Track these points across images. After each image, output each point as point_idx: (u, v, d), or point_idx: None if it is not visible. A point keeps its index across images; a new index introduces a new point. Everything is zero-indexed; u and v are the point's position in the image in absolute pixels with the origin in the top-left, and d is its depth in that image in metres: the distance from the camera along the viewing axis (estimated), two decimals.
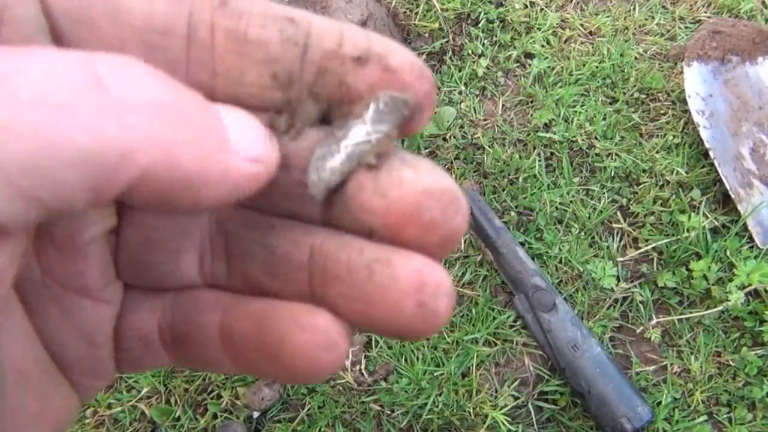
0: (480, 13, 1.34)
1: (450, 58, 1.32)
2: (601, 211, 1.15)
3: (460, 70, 1.30)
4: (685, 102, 1.21)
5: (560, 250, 1.12)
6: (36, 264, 0.24)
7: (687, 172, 1.17)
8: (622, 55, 1.29)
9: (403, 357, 1.06)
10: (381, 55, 0.22)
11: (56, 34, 0.21)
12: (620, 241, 1.14)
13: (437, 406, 1.01)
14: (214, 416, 1.04)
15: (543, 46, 1.31)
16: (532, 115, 1.24)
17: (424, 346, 1.06)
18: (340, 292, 0.22)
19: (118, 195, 0.18)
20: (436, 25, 1.32)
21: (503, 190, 1.17)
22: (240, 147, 0.20)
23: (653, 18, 1.35)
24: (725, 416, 1.01)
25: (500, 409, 1.02)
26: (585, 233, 1.14)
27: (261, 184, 0.21)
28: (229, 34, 0.22)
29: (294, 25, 0.22)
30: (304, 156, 0.23)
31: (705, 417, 1.01)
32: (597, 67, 1.28)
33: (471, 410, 1.01)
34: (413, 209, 0.21)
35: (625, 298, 1.10)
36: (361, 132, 0.22)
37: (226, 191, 0.20)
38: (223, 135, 0.20)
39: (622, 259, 1.12)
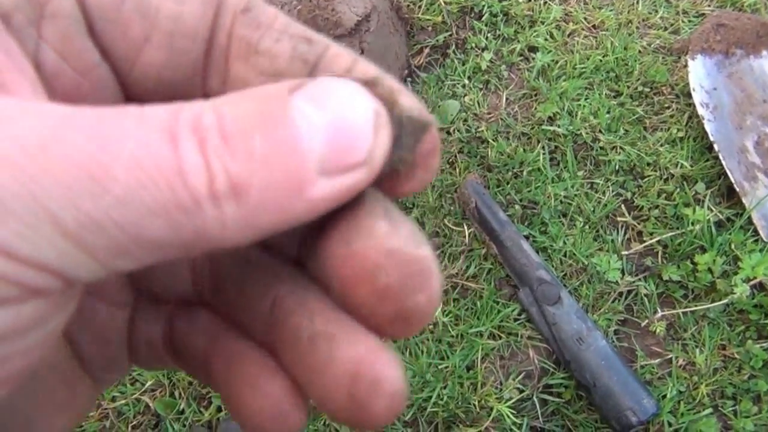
0: (483, 6, 1.33)
1: (453, 51, 1.31)
2: (606, 205, 1.15)
3: (463, 64, 1.29)
4: (689, 95, 1.21)
5: (565, 243, 1.11)
6: None
7: (691, 166, 1.17)
8: (625, 48, 1.29)
9: (408, 350, 1.05)
10: (389, 88, 0.20)
11: (90, 31, 0.21)
12: (625, 234, 1.14)
13: (442, 399, 1.01)
14: (218, 409, 1.04)
15: (546, 39, 1.31)
16: (536, 108, 1.23)
17: (428, 340, 1.06)
18: (288, 356, 0.21)
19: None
20: (440, 18, 1.32)
21: (507, 183, 1.17)
22: (326, 158, 0.17)
23: (657, 11, 1.35)
24: (731, 409, 1.01)
25: (505, 402, 1.01)
26: (589, 226, 1.14)
27: (365, 185, 0.18)
28: (243, 42, 0.21)
29: (309, 44, 0.21)
30: None
31: (710, 410, 1.00)
32: (601, 60, 1.28)
33: (476, 403, 1.01)
34: (370, 268, 0.18)
35: (629, 292, 1.10)
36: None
37: (315, 210, 0.18)
38: (294, 148, 0.17)
39: (626, 252, 1.12)
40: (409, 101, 0.20)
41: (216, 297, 0.25)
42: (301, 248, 0.23)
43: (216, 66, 0.21)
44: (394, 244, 0.18)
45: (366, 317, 0.19)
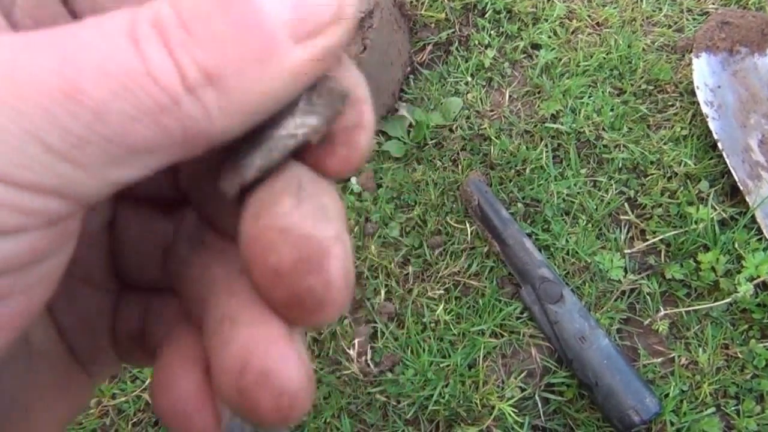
0: (487, 3, 1.33)
1: (456, 48, 1.31)
2: (609, 203, 1.14)
3: (466, 61, 1.29)
4: (692, 93, 1.20)
5: (567, 241, 1.11)
6: None
7: (695, 164, 1.17)
8: (629, 46, 1.28)
9: (409, 348, 1.05)
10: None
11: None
12: (628, 232, 1.14)
13: (443, 398, 1.00)
14: None
15: (550, 36, 1.30)
16: (539, 106, 1.23)
17: (430, 338, 1.06)
18: (205, 342, 0.20)
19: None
20: (443, 15, 1.32)
21: (510, 181, 1.16)
22: (288, 24, 0.17)
23: (661, 9, 1.34)
24: (733, 408, 1.00)
25: (507, 401, 1.01)
26: (592, 225, 1.13)
27: (343, 43, 0.18)
28: None
29: None
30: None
31: (713, 409, 1.00)
32: (604, 58, 1.27)
33: (477, 401, 1.01)
34: (264, 247, 0.17)
35: (632, 290, 1.09)
36: (287, 125, 0.19)
37: (299, 81, 0.17)
38: (259, 20, 0.16)
39: (629, 251, 1.12)
40: (344, 72, 0.19)
41: (176, 281, 0.24)
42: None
43: None
44: (290, 221, 0.17)
45: (266, 300, 0.18)
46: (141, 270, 0.25)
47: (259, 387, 0.17)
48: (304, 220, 0.17)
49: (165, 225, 0.25)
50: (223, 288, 0.20)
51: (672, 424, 0.99)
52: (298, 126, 0.18)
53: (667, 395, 1.01)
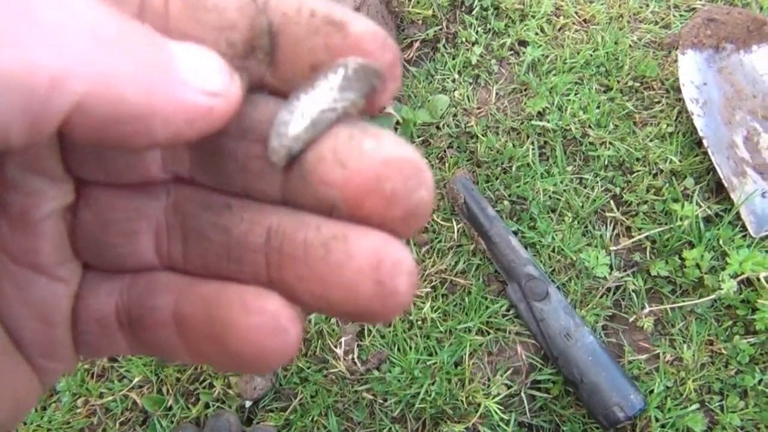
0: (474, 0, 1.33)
1: (443, 45, 1.31)
2: (595, 200, 1.15)
3: (453, 58, 1.29)
4: (679, 90, 1.21)
5: (553, 238, 1.11)
6: None
7: (680, 161, 1.17)
8: (616, 43, 1.28)
9: (396, 346, 1.05)
10: (341, 22, 0.21)
11: None
12: (613, 230, 1.14)
13: (430, 395, 1.01)
14: (206, 406, 1.04)
15: (537, 33, 1.30)
16: (525, 103, 1.23)
17: (416, 336, 1.06)
18: (297, 273, 0.22)
19: (57, 126, 0.17)
20: (430, 12, 1.31)
21: (496, 178, 1.17)
22: (193, 79, 0.19)
23: (648, 6, 1.34)
24: (717, 404, 1.01)
25: (493, 398, 1.02)
26: (578, 222, 1.14)
27: (220, 121, 0.20)
28: (185, 1, 0.21)
29: None
30: (261, 127, 0.22)
31: (697, 405, 1.01)
32: (591, 55, 1.27)
33: (464, 399, 1.01)
34: (373, 181, 0.20)
35: (618, 287, 1.10)
36: (327, 98, 0.21)
37: (178, 126, 0.19)
38: (172, 65, 0.19)
39: (615, 247, 1.12)
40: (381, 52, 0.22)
41: (189, 253, 0.25)
42: (283, 188, 0.23)
43: (157, 29, 0.21)
44: (386, 152, 0.20)
45: (378, 224, 0.21)
46: (121, 256, 0.25)
47: (396, 273, 0.20)
48: (395, 147, 0.20)
49: (143, 205, 0.25)
50: (298, 227, 0.22)
51: (657, 420, 1.00)
52: (338, 100, 0.21)
53: (652, 391, 1.02)
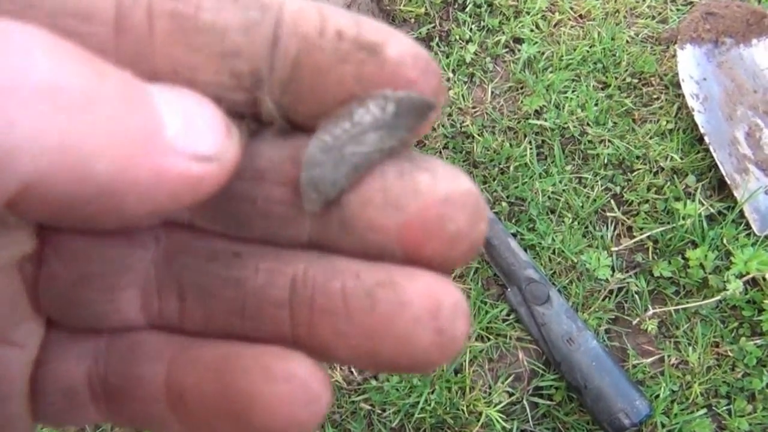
0: None
1: (437, 44, 1.28)
2: (595, 200, 1.12)
3: (447, 57, 1.26)
4: (677, 86, 1.18)
5: (553, 240, 1.08)
6: None
7: (681, 158, 1.14)
8: (613, 38, 1.26)
9: None
10: (375, 45, 0.18)
11: None
12: (614, 230, 1.11)
13: (429, 405, 0.98)
14: None
15: (532, 30, 1.28)
16: (522, 101, 1.20)
17: None
18: (335, 329, 0.19)
19: (3, 206, 0.14)
20: (422, 9, 1.28)
21: (494, 179, 1.14)
22: (180, 140, 0.16)
23: (644, 0, 1.32)
24: (725, 408, 0.99)
25: (494, 406, 0.99)
26: (578, 223, 1.11)
27: (213, 190, 0.16)
28: (175, 19, 0.17)
29: (261, 6, 0.17)
30: (284, 168, 0.19)
31: (704, 410, 0.98)
32: (588, 51, 1.24)
33: (464, 408, 0.98)
34: (435, 223, 0.18)
35: (620, 289, 1.07)
36: (372, 139, 0.18)
37: (159, 200, 0.16)
38: (155, 124, 0.15)
39: (616, 248, 1.09)
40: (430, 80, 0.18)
41: (188, 311, 0.21)
42: (315, 234, 0.20)
43: (135, 56, 0.17)
44: (444, 188, 0.18)
45: (436, 265, 0.18)
46: (99, 314, 0.21)
47: (455, 318, 0.18)
48: (451, 180, 0.18)
49: (126, 255, 0.21)
50: (331, 275, 0.19)
51: (663, 425, 0.97)
52: (386, 139, 0.18)
53: (657, 396, 0.99)
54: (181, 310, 0.21)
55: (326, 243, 0.19)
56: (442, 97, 0.19)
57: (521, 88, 1.22)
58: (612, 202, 1.13)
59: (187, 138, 0.16)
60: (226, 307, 0.20)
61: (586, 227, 1.11)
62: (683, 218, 1.08)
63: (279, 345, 0.19)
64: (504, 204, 1.11)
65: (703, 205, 1.10)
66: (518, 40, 1.28)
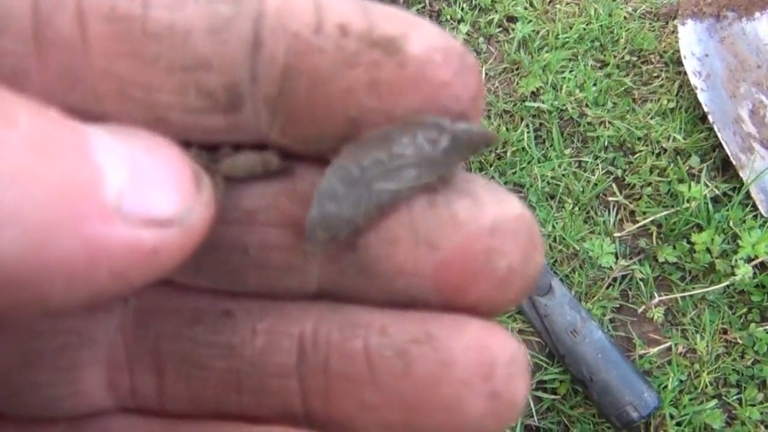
0: None
1: None
2: (596, 184, 1.08)
3: None
4: (678, 63, 1.14)
5: (554, 227, 1.04)
6: None
7: (684, 139, 1.10)
8: (610, 15, 1.21)
9: None
10: (391, 40, 0.13)
11: None
12: (617, 215, 1.07)
13: None
14: None
15: (526, 8, 1.22)
16: (518, 83, 1.15)
17: None
18: (360, 399, 0.15)
19: None
20: None
21: (490, 165, 1.09)
22: (127, 199, 0.11)
23: None
24: (735, 398, 0.95)
25: None
26: (579, 208, 1.07)
27: (174, 262, 0.12)
28: (116, 22, 0.13)
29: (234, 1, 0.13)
30: (278, 203, 0.15)
31: (715, 401, 0.95)
32: (585, 29, 1.19)
33: None
34: (482, 259, 0.14)
35: (624, 276, 1.03)
36: (410, 174, 0.14)
37: (100, 282, 0.11)
38: (89, 178, 0.11)
39: (619, 234, 1.05)
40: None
41: (168, 387, 0.16)
42: (326, 280, 0.16)
43: (63, 75, 0.13)
44: (490, 216, 0.14)
45: (485, 310, 0.15)
46: (47, 397, 0.17)
47: (513, 376, 0.15)
48: (497, 204, 0.15)
49: (86, 324, 0.17)
50: (349, 333, 0.15)
51: (672, 417, 0.94)
52: (422, 177, 0.14)
53: (665, 387, 0.95)
54: (159, 387, 0.16)
55: (340, 292, 0.15)
56: (480, 101, 0.14)
57: (516, 69, 1.18)
58: (613, 185, 1.09)
59: (136, 196, 0.11)
60: (217, 382, 0.16)
61: (588, 213, 1.07)
62: (688, 201, 1.04)
63: (287, 424, 0.15)
64: None
65: (707, 186, 1.06)
66: (512, 19, 1.22)
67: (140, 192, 0.11)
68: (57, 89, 0.13)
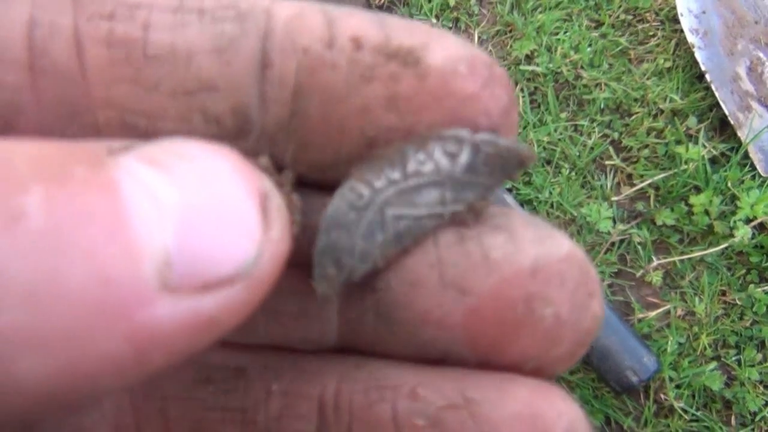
0: None
1: None
2: (592, 148, 1.06)
3: (429, 1, 1.17)
4: (674, 21, 1.11)
5: (551, 193, 1.03)
6: None
7: (681, 99, 1.08)
8: None
9: None
10: (410, 51, 0.12)
11: None
12: (614, 178, 1.06)
13: None
14: None
15: None
16: (511, 46, 1.13)
17: None
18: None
19: None
20: None
21: None
22: (174, 266, 0.09)
23: None
24: (734, 359, 0.96)
25: None
26: (576, 173, 1.05)
27: (239, 320, 0.10)
28: (114, 46, 0.11)
29: (239, 16, 0.11)
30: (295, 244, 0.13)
31: (714, 363, 0.95)
32: None
33: None
34: (521, 309, 0.12)
35: (622, 241, 1.02)
36: (431, 197, 0.12)
37: (154, 363, 0.09)
38: (124, 254, 0.09)
39: (616, 198, 1.04)
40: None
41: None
42: (344, 330, 0.14)
43: (60, 104, 0.11)
44: (531, 254, 0.12)
45: (533, 369, 0.13)
46: None
47: None
48: (537, 242, 0.12)
49: None
50: (374, 396, 0.13)
51: (671, 380, 0.94)
52: (449, 203, 0.12)
53: (664, 350, 0.96)
54: None
55: (363, 344, 0.13)
56: (514, 115, 0.13)
57: (510, 31, 1.15)
58: (610, 149, 1.07)
59: (186, 255, 0.09)
60: None
61: (585, 177, 1.06)
62: (685, 162, 1.03)
63: None
64: None
65: (705, 147, 1.05)
66: None
67: (192, 249, 0.10)
68: (54, 122, 0.12)
